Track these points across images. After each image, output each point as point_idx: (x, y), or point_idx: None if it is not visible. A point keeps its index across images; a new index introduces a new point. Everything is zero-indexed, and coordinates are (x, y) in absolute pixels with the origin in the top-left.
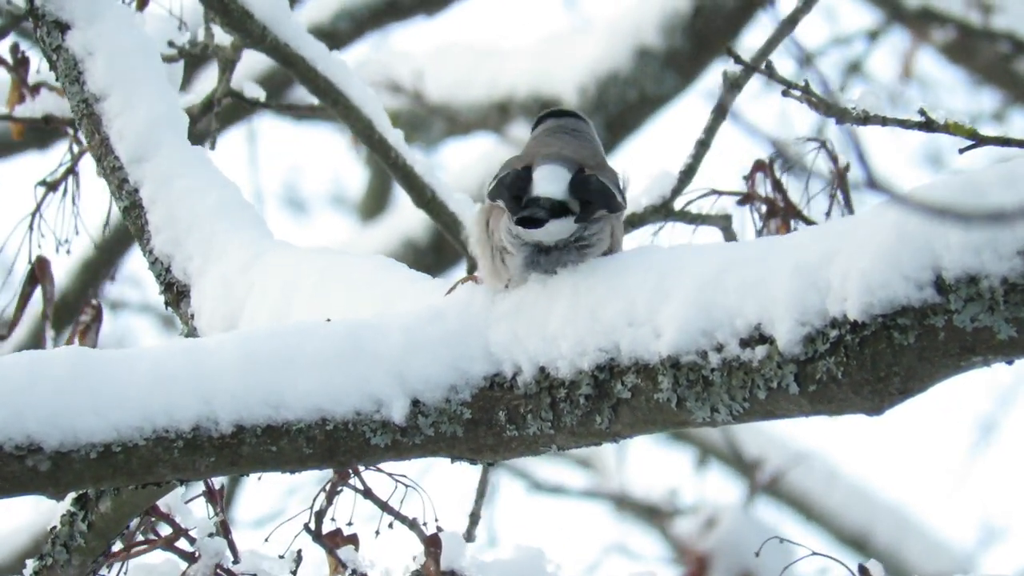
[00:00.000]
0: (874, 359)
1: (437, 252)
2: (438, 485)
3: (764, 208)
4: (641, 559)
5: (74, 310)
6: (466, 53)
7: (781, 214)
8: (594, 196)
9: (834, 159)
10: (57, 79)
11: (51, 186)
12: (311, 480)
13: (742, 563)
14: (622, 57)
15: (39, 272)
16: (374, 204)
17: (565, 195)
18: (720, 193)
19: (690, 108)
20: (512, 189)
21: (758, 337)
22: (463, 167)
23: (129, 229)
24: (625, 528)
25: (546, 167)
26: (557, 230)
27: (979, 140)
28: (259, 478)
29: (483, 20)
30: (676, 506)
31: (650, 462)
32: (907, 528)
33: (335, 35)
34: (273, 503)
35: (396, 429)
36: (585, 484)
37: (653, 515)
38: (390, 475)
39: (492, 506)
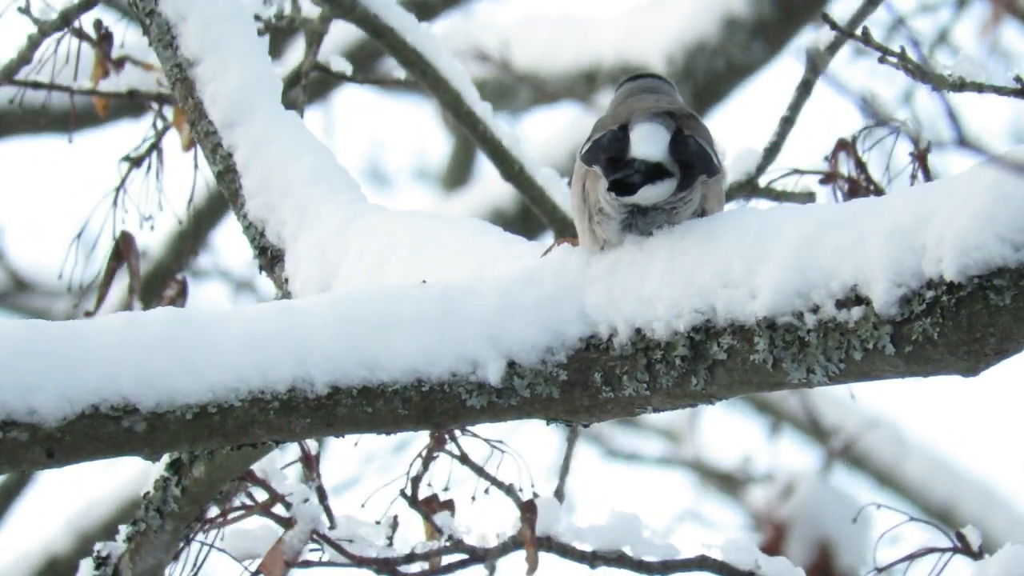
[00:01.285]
0: (970, 320)
1: (524, 221)
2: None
3: (847, 187)
4: (716, 527)
5: (166, 281)
6: (553, 22)
7: (863, 193)
8: (694, 159)
9: (915, 140)
10: (150, 44)
11: (135, 161)
12: (389, 447)
13: (820, 531)
14: (709, 26)
15: (124, 248)
16: (457, 175)
17: (664, 156)
18: (803, 172)
19: (778, 77)
20: (609, 151)
21: (854, 298)
22: (549, 136)
23: (222, 194)
24: (701, 496)
25: (644, 126)
26: (654, 194)
27: None
28: (355, 443)
29: None
30: (752, 474)
31: (726, 429)
32: (993, 502)
33: (426, 5)
34: (351, 470)
35: (492, 390)
36: (661, 451)
37: (729, 483)
38: (486, 440)
39: (569, 473)
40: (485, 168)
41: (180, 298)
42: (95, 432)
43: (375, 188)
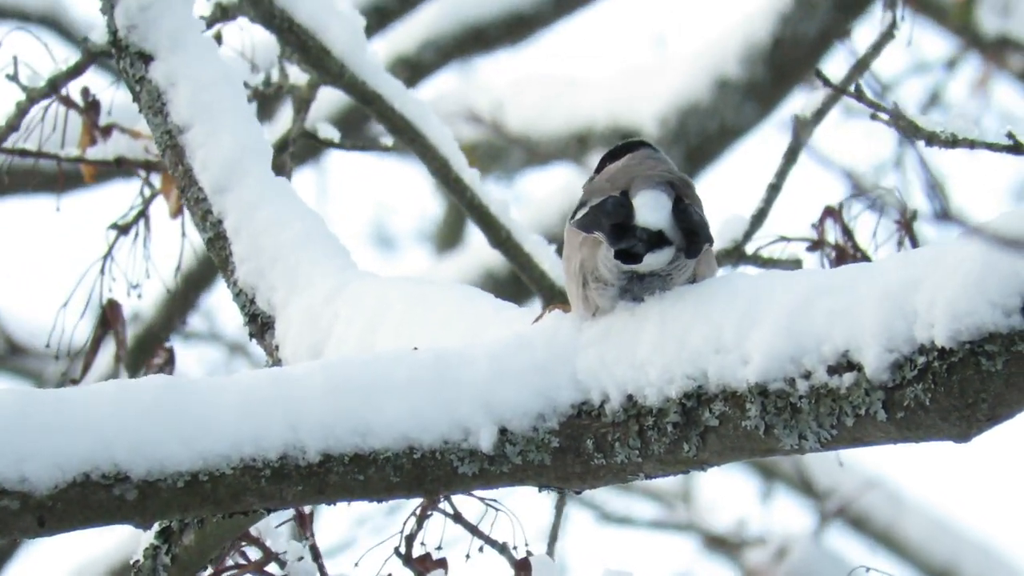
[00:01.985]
0: (962, 385)
1: (516, 285)
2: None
3: (834, 254)
4: None
5: (155, 347)
6: (546, 84)
7: (850, 260)
8: (697, 228)
9: (900, 208)
10: (140, 110)
11: (122, 229)
12: (382, 510)
13: None
14: (702, 88)
15: (110, 316)
16: (451, 236)
17: (667, 224)
18: (790, 240)
19: (769, 139)
20: (612, 217)
21: (846, 364)
22: (543, 198)
23: (213, 261)
24: (696, 558)
25: (648, 193)
26: (656, 261)
27: None
28: (348, 504)
29: (564, 51)
30: (747, 536)
31: (720, 491)
32: (993, 562)
33: (420, 65)
34: (344, 532)
35: (484, 457)
36: (655, 514)
37: (724, 545)
38: (480, 499)
39: (562, 536)
40: (477, 230)
41: (168, 366)
42: (86, 500)
43: (376, 250)
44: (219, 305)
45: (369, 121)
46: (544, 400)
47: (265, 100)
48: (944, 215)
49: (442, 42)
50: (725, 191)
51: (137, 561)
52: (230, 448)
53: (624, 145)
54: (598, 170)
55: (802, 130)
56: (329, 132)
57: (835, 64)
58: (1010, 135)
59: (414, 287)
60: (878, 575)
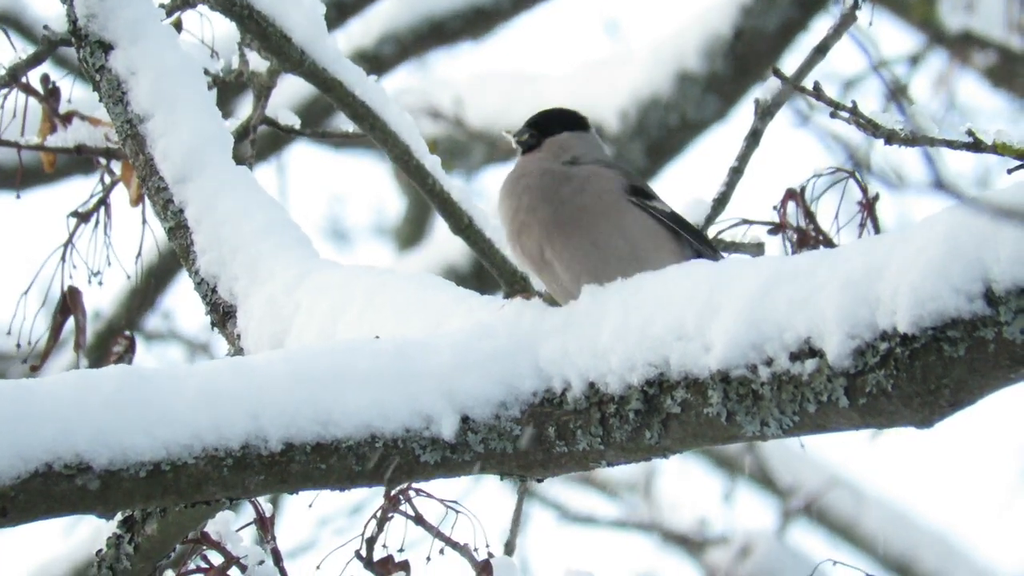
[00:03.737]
0: (924, 371)
1: (478, 278)
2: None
3: (796, 237)
4: None
5: (115, 337)
6: (507, 79)
7: (812, 243)
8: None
9: (863, 189)
10: (100, 99)
11: (83, 217)
12: (344, 509)
13: None
14: (663, 82)
15: (71, 302)
16: (412, 232)
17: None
18: (752, 223)
19: (732, 132)
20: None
21: (808, 351)
22: None
23: (174, 255)
24: (659, 557)
25: None
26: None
27: None
28: (310, 505)
29: (524, 46)
30: (709, 534)
31: (683, 489)
32: (953, 554)
33: (379, 60)
34: (306, 533)
35: (446, 446)
36: (616, 513)
37: (686, 543)
38: (441, 500)
39: (523, 535)
40: (439, 226)
41: (128, 354)
42: (48, 490)
43: (333, 244)
44: (180, 304)
45: (331, 115)
46: (506, 388)
47: (226, 88)
48: (939, 184)
49: (401, 36)
50: (688, 184)
51: (100, 550)
52: (192, 437)
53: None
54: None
55: (767, 109)
56: (290, 119)
57: (797, 57)
58: (970, 132)
59: (376, 277)
60: (844, 569)
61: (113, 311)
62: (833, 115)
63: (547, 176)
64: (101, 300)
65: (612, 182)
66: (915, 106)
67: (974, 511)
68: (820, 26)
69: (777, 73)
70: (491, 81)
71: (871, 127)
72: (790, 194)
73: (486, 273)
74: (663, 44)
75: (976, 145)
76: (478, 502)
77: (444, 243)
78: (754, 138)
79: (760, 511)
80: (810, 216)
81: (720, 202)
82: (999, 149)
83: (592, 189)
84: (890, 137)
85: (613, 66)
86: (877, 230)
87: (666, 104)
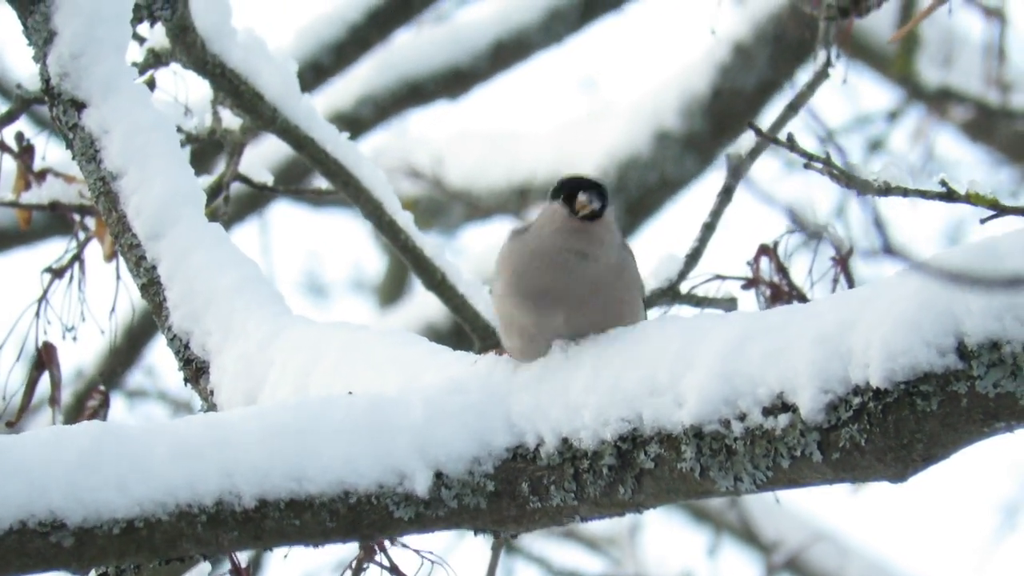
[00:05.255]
0: (897, 426)
1: (457, 336)
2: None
3: (769, 292)
4: None
5: (90, 391)
6: (485, 137)
7: (785, 298)
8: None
9: (837, 245)
10: (73, 157)
11: (57, 273)
12: (328, 565)
13: None
14: (642, 140)
15: (46, 358)
16: (393, 289)
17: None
18: (725, 278)
19: (710, 188)
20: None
21: (781, 405)
22: (483, 250)
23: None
24: None
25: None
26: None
27: (1001, 210)
28: (285, 556)
29: (502, 104)
30: None
31: (666, 543)
32: None
33: (358, 121)
34: None
35: (419, 502)
36: (601, 568)
37: None
38: (417, 551)
39: None
40: (419, 285)
41: (103, 409)
42: (23, 547)
43: (313, 301)
44: (162, 361)
45: (308, 175)
46: (479, 444)
47: (199, 146)
48: (887, 249)
49: (380, 97)
50: (664, 240)
51: None
52: (166, 494)
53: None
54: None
55: (739, 166)
56: (263, 176)
57: (774, 115)
58: (943, 182)
59: (349, 332)
60: None
61: (93, 368)
62: (807, 166)
63: (610, 259)
64: (82, 357)
65: (639, 277)
66: (890, 158)
67: (955, 563)
68: (797, 85)
69: (752, 126)
70: (469, 140)
71: (844, 178)
72: (763, 249)
73: (465, 331)
74: (641, 102)
75: (949, 195)
76: (462, 555)
77: (424, 300)
78: (727, 194)
79: (744, 566)
80: (783, 271)
81: (693, 257)
82: (972, 199)
83: (628, 282)
84: (864, 187)
85: (592, 124)
86: (851, 285)
87: (645, 162)
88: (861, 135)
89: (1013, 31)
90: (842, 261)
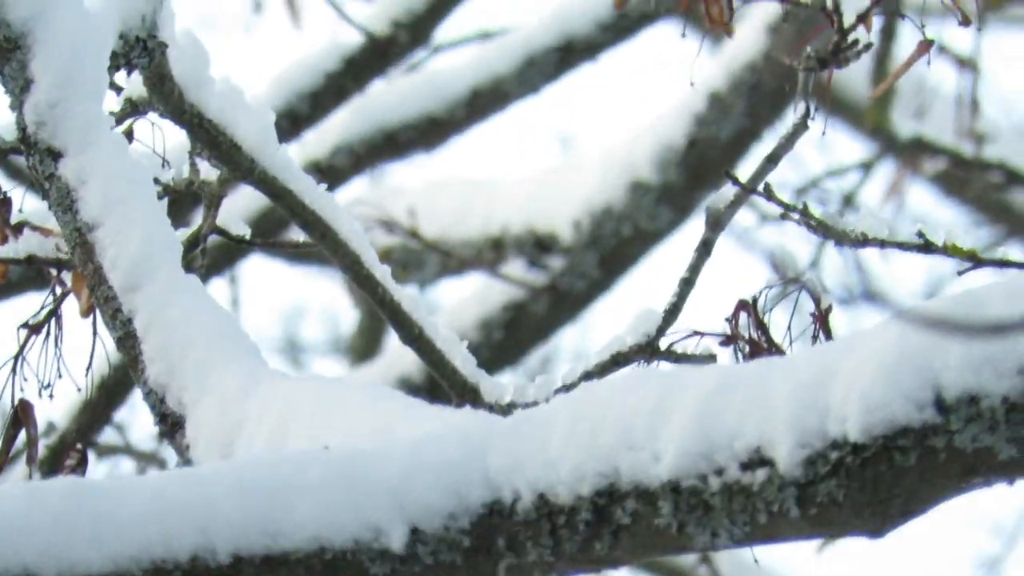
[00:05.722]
0: (875, 481)
1: (431, 391)
2: None
3: (748, 348)
4: None
5: (67, 450)
6: (460, 188)
7: (764, 354)
8: None
9: (816, 299)
10: (50, 208)
11: (34, 328)
12: None
13: None
14: (617, 191)
15: (22, 416)
16: (365, 345)
17: None
18: (703, 334)
19: (687, 241)
20: None
21: (758, 460)
22: (458, 303)
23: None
24: None
25: None
26: None
27: (978, 262)
28: None
29: (478, 154)
30: None
31: None
32: None
33: (334, 170)
34: None
35: (395, 558)
36: None
37: None
38: None
39: None
40: (392, 338)
41: (80, 467)
42: None
43: (286, 358)
44: (134, 417)
45: (283, 228)
46: (456, 499)
47: (177, 196)
48: (867, 295)
49: (355, 147)
50: (642, 294)
51: None
52: (140, 550)
53: None
54: None
55: (718, 219)
56: (241, 229)
57: (751, 166)
58: (920, 234)
59: (325, 385)
60: None
61: (66, 424)
62: (784, 216)
63: None
64: (54, 413)
65: None
66: (866, 210)
67: None
68: (774, 136)
69: (730, 175)
70: (444, 189)
71: (822, 229)
72: (742, 305)
73: (439, 385)
74: (617, 152)
75: (927, 247)
76: None
77: (397, 355)
78: (705, 248)
79: None
80: (762, 327)
81: (671, 313)
82: (949, 250)
83: None
84: (841, 238)
85: (567, 174)
86: (830, 340)
87: (619, 214)
88: (835, 187)
89: (987, 82)
90: (821, 317)
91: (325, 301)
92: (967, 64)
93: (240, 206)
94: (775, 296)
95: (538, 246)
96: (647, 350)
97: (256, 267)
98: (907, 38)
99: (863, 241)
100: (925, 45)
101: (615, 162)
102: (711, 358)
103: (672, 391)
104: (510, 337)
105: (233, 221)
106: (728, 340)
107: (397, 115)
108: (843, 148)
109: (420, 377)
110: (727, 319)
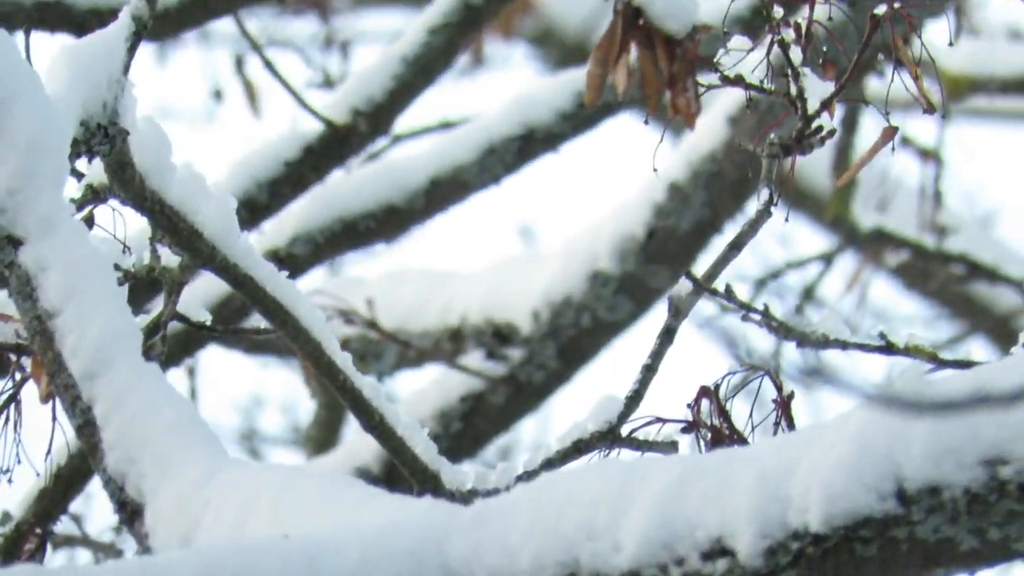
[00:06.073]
0: (836, 571)
1: (390, 481)
2: None
3: (709, 436)
4: None
5: (26, 535)
6: (420, 278)
7: (726, 442)
8: None
9: (778, 387)
10: (9, 295)
11: None
12: None
13: None
14: (576, 281)
15: None
16: (322, 436)
17: None
18: (665, 421)
19: (648, 328)
20: None
21: (719, 550)
22: (416, 394)
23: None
24: None
25: None
26: None
27: (940, 363)
28: None
29: (439, 243)
30: None
31: None
32: None
33: (293, 259)
34: None
35: None
36: None
37: None
38: None
39: None
40: (349, 428)
41: (39, 552)
42: None
43: (243, 448)
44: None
45: (244, 315)
46: None
47: (138, 282)
48: (824, 377)
49: (314, 236)
50: (603, 382)
51: None
52: None
53: None
54: None
55: (680, 307)
56: (202, 316)
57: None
58: (882, 335)
59: (285, 474)
60: None
61: (22, 513)
62: (744, 318)
63: None
64: (8, 502)
65: None
66: (828, 308)
67: None
68: (734, 227)
69: (689, 276)
70: (403, 280)
71: (783, 330)
72: (704, 392)
73: (397, 475)
74: (577, 242)
75: (889, 348)
76: None
77: (354, 446)
78: (668, 336)
79: None
80: (724, 414)
81: (633, 400)
82: (912, 351)
83: None
84: (802, 339)
85: (526, 265)
86: (792, 428)
87: (578, 305)
88: (795, 279)
89: (949, 174)
90: (783, 404)
91: (284, 391)
92: (930, 155)
93: (200, 292)
94: (737, 383)
95: (497, 337)
96: (609, 437)
97: (214, 357)
98: (869, 130)
99: (825, 342)
100: (890, 131)
101: (575, 252)
102: (673, 445)
103: (633, 480)
104: (468, 428)
105: (194, 308)
106: (690, 427)
107: (357, 204)
108: (803, 239)
109: (378, 467)
110: (689, 406)
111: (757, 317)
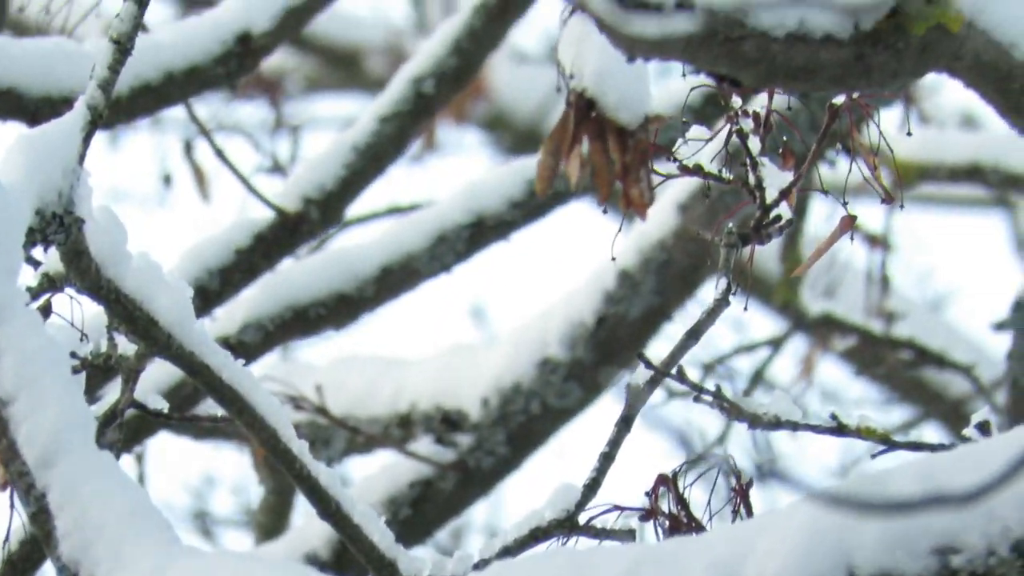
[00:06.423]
0: None
1: (339, 567)
2: None
3: (667, 523)
4: None
5: None
6: (369, 364)
7: (684, 529)
8: None
9: (736, 475)
10: None
11: None
12: None
13: None
14: (526, 368)
15: None
16: (271, 522)
17: None
18: (623, 509)
19: (601, 416)
20: None
21: None
22: (365, 480)
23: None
24: None
25: None
26: None
27: (892, 445)
28: None
29: (389, 330)
30: None
31: None
32: None
33: (244, 346)
34: None
35: None
36: None
37: None
38: None
39: None
40: (298, 513)
41: None
42: None
43: (194, 533)
44: None
45: (197, 400)
46: None
47: (95, 371)
48: (774, 474)
49: (264, 323)
50: (553, 476)
51: None
52: None
53: None
54: None
55: (636, 397)
56: (158, 403)
57: (661, 344)
58: (833, 416)
59: (238, 563)
60: None
61: None
62: (697, 399)
63: None
64: None
65: None
66: (778, 390)
67: None
68: (684, 315)
69: (642, 357)
70: (353, 366)
71: (735, 411)
72: (662, 479)
73: (346, 560)
74: (527, 329)
75: (840, 429)
76: None
77: (303, 532)
78: (625, 424)
79: None
80: (682, 502)
81: (591, 487)
82: (863, 433)
83: None
84: (754, 420)
85: (476, 351)
86: (751, 515)
87: (528, 391)
88: (744, 363)
89: (897, 259)
90: (742, 492)
91: (235, 472)
92: (878, 241)
93: (152, 378)
94: (695, 471)
95: (446, 423)
96: (566, 525)
97: (163, 441)
98: (818, 215)
99: (776, 424)
100: (848, 220)
101: (525, 339)
102: (631, 534)
103: (586, 569)
104: (418, 514)
105: (150, 395)
106: (648, 515)
107: (307, 292)
108: (753, 322)
109: (327, 552)
110: (647, 494)
111: (709, 398)
